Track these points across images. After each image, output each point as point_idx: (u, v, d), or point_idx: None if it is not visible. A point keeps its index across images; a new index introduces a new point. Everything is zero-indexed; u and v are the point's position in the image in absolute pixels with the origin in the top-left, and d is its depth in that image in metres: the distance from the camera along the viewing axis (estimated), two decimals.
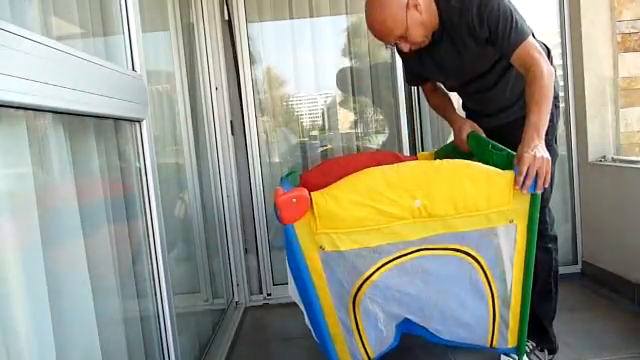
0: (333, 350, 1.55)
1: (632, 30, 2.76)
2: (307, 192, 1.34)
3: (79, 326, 1.07)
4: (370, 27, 1.76)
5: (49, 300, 0.92)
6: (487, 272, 1.49)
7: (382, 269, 1.43)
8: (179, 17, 2.32)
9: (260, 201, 2.93)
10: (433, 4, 1.75)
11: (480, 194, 1.38)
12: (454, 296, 1.52)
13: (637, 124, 2.84)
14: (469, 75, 1.87)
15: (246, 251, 2.95)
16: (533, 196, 1.41)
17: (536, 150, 1.45)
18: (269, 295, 2.98)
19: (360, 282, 1.43)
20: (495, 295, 1.53)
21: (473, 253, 1.46)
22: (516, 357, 1.68)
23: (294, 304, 2.85)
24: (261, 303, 2.97)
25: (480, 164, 1.44)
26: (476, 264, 1.47)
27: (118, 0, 1.37)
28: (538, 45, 1.71)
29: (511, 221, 1.43)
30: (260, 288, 2.99)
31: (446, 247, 1.44)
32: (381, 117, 3.04)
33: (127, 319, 1.34)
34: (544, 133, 1.53)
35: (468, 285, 1.51)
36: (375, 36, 1.78)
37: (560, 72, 2.89)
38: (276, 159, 3.01)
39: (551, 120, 1.86)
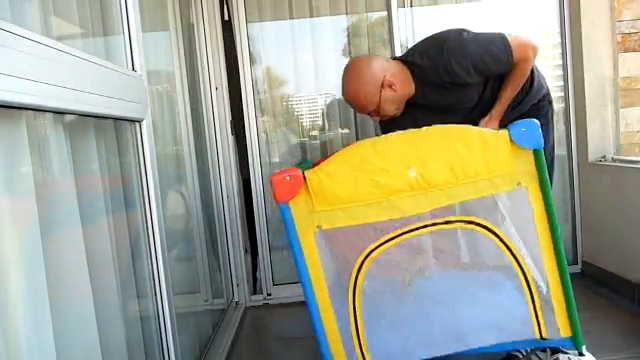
0: (326, 349, 1.46)
1: (632, 30, 2.76)
2: (301, 171, 1.34)
3: (79, 326, 1.07)
4: (344, 95, 1.83)
5: (49, 300, 0.92)
6: (508, 244, 1.38)
7: (384, 246, 1.37)
8: (179, 17, 2.32)
9: (260, 201, 2.93)
10: (407, 72, 1.78)
11: (477, 158, 1.32)
12: (476, 277, 1.45)
13: (637, 124, 2.84)
14: (468, 103, 1.88)
15: (246, 251, 2.95)
16: (536, 153, 1.34)
17: (489, 119, 1.83)
18: (269, 295, 2.98)
19: (362, 259, 1.38)
20: (526, 271, 1.39)
21: (485, 223, 1.37)
22: (575, 352, 1.51)
23: (294, 304, 2.83)
24: (261, 303, 2.97)
25: (471, 126, 1.39)
26: (493, 236, 1.38)
27: (118, 0, 1.37)
28: (513, 35, 1.76)
29: (519, 184, 1.35)
30: (260, 288, 3.00)
31: (455, 219, 1.37)
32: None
33: (127, 319, 1.34)
34: (504, 109, 1.84)
35: (490, 261, 1.43)
36: (347, 102, 1.85)
37: (560, 72, 2.90)
38: (276, 159, 3.01)
39: (546, 117, 1.89)
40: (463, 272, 1.47)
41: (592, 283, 2.80)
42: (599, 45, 2.74)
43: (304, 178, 1.34)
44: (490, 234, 1.38)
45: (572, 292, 1.41)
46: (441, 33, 1.81)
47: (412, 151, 1.34)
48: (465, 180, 1.33)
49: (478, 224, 1.38)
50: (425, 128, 1.37)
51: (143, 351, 1.43)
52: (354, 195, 1.33)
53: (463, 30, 1.76)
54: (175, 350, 1.51)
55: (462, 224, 1.38)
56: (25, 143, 0.91)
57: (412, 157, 1.33)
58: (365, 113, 1.84)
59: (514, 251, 1.39)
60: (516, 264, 1.40)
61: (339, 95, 2.99)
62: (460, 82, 1.73)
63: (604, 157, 2.76)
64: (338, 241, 1.39)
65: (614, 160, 2.71)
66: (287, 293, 2.93)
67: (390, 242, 1.38)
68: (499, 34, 1.74)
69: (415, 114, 1.88)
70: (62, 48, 0.97)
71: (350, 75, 1.79)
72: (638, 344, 2.03)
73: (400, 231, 1.37)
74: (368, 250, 1.38)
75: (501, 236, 1.38)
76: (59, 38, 1.14)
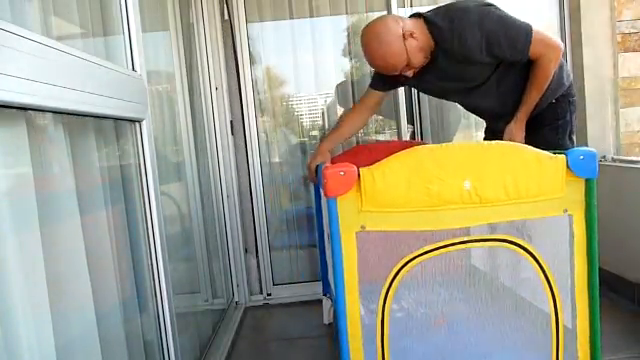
0: (346, 348, 1.41)
1: (632, 30, 2.76)
2: (355, 167, 1.31)
3: (79, 326, 1.07)
4: (371, 63, 1.79)
5: (49, 301, 0.92)
6: (545, 268, 1.38)
7: (424, 256, 1.36)
8: (179, 17, 2.32)
9: (260, 201, 2.93)
10: (424, 27, 1.76)
11: (531, 178, 1.32)
12: (506, 297, 1.43)
13: (637, 124, 2.84)
14: (473, 82, 1.86)
15: (246, 251, 2.96)
16: (588, 182, 1.33)
17: (514, 124, 1.82)
18: (269, 295, 2.98)
19: (400, 265, 1.36)
20: (557, 297, 1.39)
21: (526, 246, 1.37)
22: None
23: (294, 304, 2.82)
24: (261, 303, 2.97)
25: (529, 147, 1.37)
26: (531, 258, 1.38)
27: (118, 0, 1.37)
28: (542, 32, 1.73)
29: (565, 211, 1.35)
30: (260, 288, 3.00)
31: (496, 238, 1.37)
32: (380, 117, 3.04)
33: (127, 319, 1.34)
34: (530, 111, 1.82)
35: (523, 282, 1.42)
36: (378, 70, 1.82)
37: None
38: (276, 159, 3.01)
39: (564, 117, 1.88)
40: (495, 291, 1.46)
41: None
42: (599, 45, 2.74)
43: (358, 175, 1.30)
44: (529, 256, 1.38)
45: (599, 325, 1.40)
46: (469, 0, 1.76)
47: (470, 163, 1.32)
48: (515, 199, 1.33)
49: (518, 245, 1.37)
50: (486, 142, 1.38)
51: (143, 351, 1.43)
52: (405, 202, 1.31)
53: (492, 5, 1.72)
54: (175, 350, 1.51)
55: (502, 243, 1.38)
56: (25, 143, 0.91)
57: (469, 169, 1.31)
58: (397, 72, 1.78)
59: (549, 275, 1.38)
60: (548, 289, 1.39)
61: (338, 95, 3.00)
62: (469, 57, 1.70)
63: (604, 157, 2.76)
64: (379, 244, 1.36)
65: (614, 160, 2.71)
66: (287, 293, 2.93)
67: (430, 253, 1.36)
68: (526, 23, 1.71)
69: (434, 79, 1.87)
70: (62, 48, 0.97)
71: (370, 42, 1.74)
72: (638, 344, 2.03)
73: (441, 243, 1.35)
74: (408, 258, 1.36)
75: (539, 259, 1.38)
76: (59, 38, 1.14)
